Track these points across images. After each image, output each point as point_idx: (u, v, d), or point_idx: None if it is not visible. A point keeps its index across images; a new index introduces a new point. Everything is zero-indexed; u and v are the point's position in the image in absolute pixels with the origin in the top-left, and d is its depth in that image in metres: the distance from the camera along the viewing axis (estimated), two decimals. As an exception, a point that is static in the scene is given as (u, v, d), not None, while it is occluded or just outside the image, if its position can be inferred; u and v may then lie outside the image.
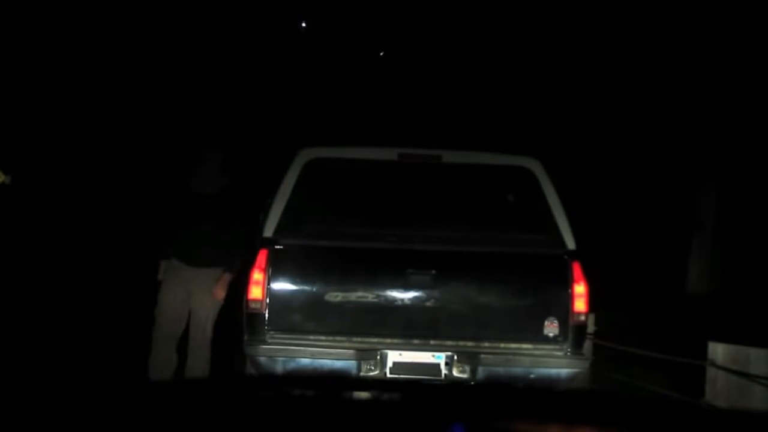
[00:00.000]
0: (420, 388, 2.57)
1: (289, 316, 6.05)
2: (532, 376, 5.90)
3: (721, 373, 6.76)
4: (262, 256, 5.87)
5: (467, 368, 5.84)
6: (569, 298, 6.02)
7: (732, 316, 10.34)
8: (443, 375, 5.85)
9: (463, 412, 1.89)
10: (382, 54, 17.91)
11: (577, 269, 6.02)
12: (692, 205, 13.48)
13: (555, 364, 6.02)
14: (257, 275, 5.85)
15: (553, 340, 6.06)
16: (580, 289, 6.00)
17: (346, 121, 15.31)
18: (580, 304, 6.02)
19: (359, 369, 5.81)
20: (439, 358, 5.86)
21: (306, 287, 6.18)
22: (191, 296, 6.81)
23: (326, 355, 5.86)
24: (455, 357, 5.84)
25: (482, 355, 5.86)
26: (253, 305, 5.86)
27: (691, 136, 13.19)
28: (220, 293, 6.77)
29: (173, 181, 7.21)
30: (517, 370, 5.84)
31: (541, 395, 2.33)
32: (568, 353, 6.03)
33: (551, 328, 6.11)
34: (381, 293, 6.22)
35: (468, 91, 15.84)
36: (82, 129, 14.91)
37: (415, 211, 6.64)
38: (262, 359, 5.85)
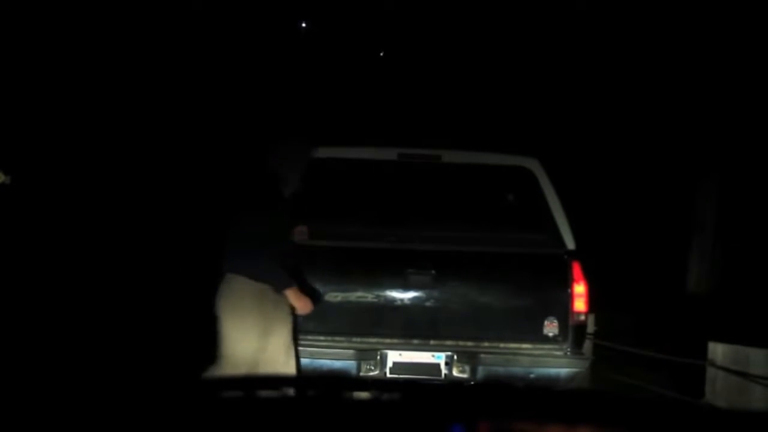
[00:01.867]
0: (420, 388, 2.56)
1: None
2: (531, 375, 5.90)
3: (721, 373, 6.77)
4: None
5: (467, 368, 5.84)
6: (569, 298, 6.02)
7: (732, 316, 10.34)
8: (443, 375, 5.85)
9: (463, 412, 1.89)
10: (382, 54, 17.90)
11: (576, 269, 6.03)
12: (692, 205, 13.48)
13: (555, 363, 6.02)
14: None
15: (552, 340, 6.06)
16: (579, 288, 6.00)
17: (346, 120, 15.31)
18: (579, 304, 6.02)
19: (359, 369, 5.81)
20: (438, 358, 5.86)
21: (305, 287, 6.18)
22: (271, 330, 5.24)
23: (326, 355, 5.86)
24: (455, 357, 5.85)
25: (482, 355, 5.86)
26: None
27: (692, 136, 13.18)
28: (306, 306, 5.29)
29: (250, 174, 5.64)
30: (517, 370, 5.85)
31: (541, 395, 2.33)
32: (568, 353, 6.04)
33: (551, 327, 6.12)
34: (381, 293, 6.22)
35: (468, 90, 15.84)
36: (82, 129, 14.90)
37: (415, 210, 6.65)
38: (262, 359, 5.84)
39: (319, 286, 6.12)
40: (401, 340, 5.98)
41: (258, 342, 5.21)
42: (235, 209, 5.31)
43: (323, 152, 6.48)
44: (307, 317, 6.18)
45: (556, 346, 6.05)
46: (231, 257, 5.20)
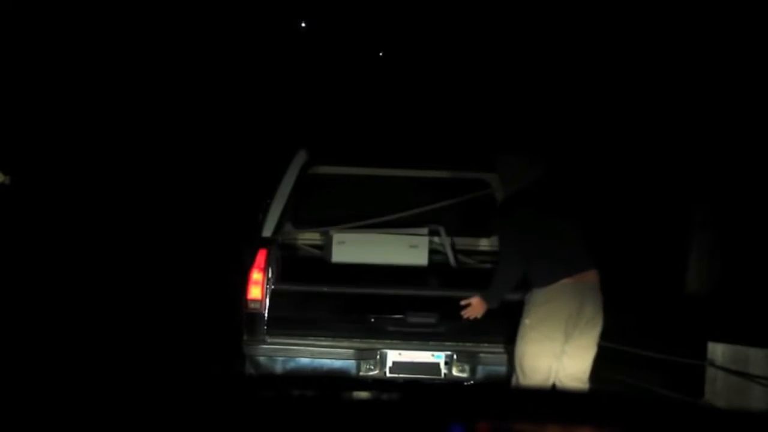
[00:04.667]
0: (419, 388, 2.56)
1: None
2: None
3: (721, 373, 6.77)
4: (261, 256, 5.87)
5: (467, 368, 5.83)
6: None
7: (732, 316, 10.33)
8: (443, 374, 5.84)
9: (463, 412, 1.89)
10: (381, 54, 17.90)
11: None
12: (692, 204, 13.49)
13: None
14: (256, 275, 5.84)
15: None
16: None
17: (346, 120, 15.32)
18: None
19: (359, 369, 5.80)
20: (438, 357, 5.85)
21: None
22: (573, 333, 5.37)
23: (326, 355, 5.85)
24: (455, 356, 5.83)
25: (482, 355, 5.84)
26: (252, 305, 5.85)
27: (692, 137, 13.19)
28: None
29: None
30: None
31: (541, 395, 2.33)
32: (568, 353, 6.02)
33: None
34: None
35: (469, 93, 15.84)
36: (82, 129, 14.90)
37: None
38: (262, 359, 5.84)
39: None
40: (401, 340, 5.97)
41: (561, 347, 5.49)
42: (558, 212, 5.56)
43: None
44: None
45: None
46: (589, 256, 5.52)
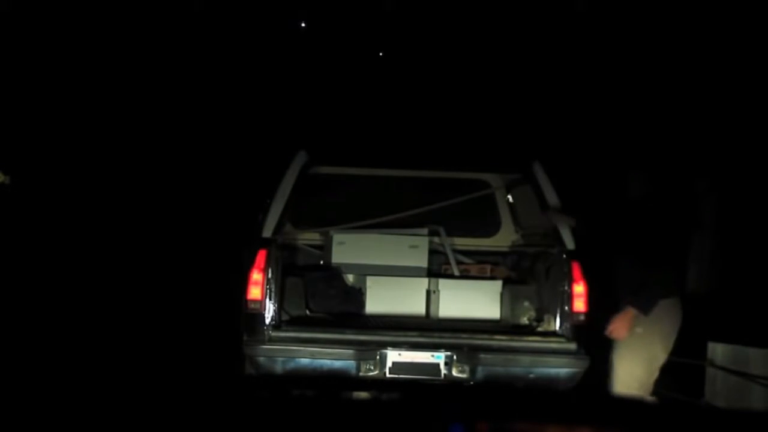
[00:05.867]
0: (419, 388, 2.56)
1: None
2: (531, 375, 5.89)
3: (721, 373, 6.77)
4: (261, 256, 5.87)
5: (466, 368, 5.83)
6: (569, 298, 6.02)
7: (732, 316, 10.34)
8: (443, 375, 5.84)
9: (463, 412, 1.89)
10: (381, 54, 17.90)
11: (576, 269, 6.02)
12: (691, 204, 13.47)
13: (554, 363, 6.00)
14: (256, 275, 5.84)
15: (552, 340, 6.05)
16: (579, 288, 5.99)
17: (346, 120, 15.32)
18: (579, 304, 6.00)
19: (359, 369, 5.80)
20: (438, 358, 5.85)
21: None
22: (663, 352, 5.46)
23: (326, 355, 5.85)
24: (454, 357, 5.83)
25: (482, 355, 5.85)
26: (252, 305, 5.85)
27: (690, 135, 13.19)
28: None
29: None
30: (517, 370, 5.84)
31: (541, 395, 2.33)
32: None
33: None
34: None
35: (469, 91, 15.84)
36: (82, 129, 14.90)
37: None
38: (262, 359, 5.84)
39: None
40: (401, 340, 5.97)
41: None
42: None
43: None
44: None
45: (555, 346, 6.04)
46: None
